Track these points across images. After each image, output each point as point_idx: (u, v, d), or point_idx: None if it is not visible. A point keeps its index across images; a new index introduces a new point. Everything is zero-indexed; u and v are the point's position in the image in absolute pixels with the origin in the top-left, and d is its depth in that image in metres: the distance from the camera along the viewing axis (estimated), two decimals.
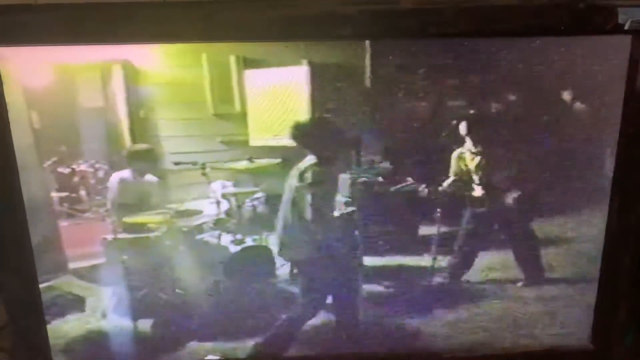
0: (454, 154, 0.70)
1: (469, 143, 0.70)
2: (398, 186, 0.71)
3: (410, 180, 0.71)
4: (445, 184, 0.71)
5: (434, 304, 0.76)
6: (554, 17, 0.62)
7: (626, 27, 0.62)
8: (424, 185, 0.71)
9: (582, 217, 0.72)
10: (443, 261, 0.74)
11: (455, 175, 0.71)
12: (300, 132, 0.68)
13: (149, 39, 0.62)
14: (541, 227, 0.73)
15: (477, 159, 0.71)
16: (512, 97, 0.68)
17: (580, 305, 0.75)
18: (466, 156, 0.71)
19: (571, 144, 0.69)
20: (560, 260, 0.75)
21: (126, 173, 0.70)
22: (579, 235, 0.73)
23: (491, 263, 0.75)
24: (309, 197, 0.71)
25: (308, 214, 0.72)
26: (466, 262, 0.75)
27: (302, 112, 0.67)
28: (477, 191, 0.73)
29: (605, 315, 0.75)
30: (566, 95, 0.68)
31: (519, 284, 0.76)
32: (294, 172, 0.70)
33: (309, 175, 0.70)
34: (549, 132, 0.69)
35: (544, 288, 0.76)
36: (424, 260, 0.74)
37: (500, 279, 0.75)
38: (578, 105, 0.68)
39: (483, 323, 0.76)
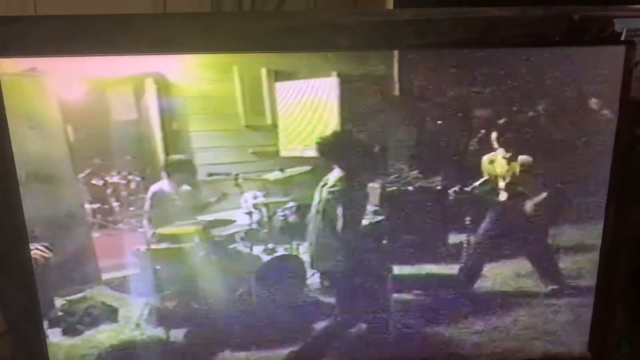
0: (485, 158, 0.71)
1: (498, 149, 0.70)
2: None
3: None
4: (474, 185, 0.71)
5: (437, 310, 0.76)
6: (549, 28, 0.63)
7: (622, 38, 0.63)
8: (452, 190, 0.71)
9: (579, 225, 0.72)
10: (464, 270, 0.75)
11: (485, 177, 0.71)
12: (327, 146, 0.69)
13: (150, 50, 0.63)
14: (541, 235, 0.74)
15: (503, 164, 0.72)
16: (520, 106, 0.68)
17: (577, 313, 0.75)
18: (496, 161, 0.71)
19: (571, 150, 0.70)
20: (558, 268, 0.75)
21: (164, 184, 0.71)
22: (575, 243, 0.73)
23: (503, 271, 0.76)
24: (339, 209, 0.72)
25: (338, 225, 0.72)
26: (478, 270, 0.75)
27: (332, 122, 0.68)
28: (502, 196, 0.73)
29: (602, 322, 0.75)
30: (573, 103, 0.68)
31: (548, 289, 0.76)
32: (322, 184, 0.71)
33: (337, 188, 0.71)
34: (552, 139, 0.69)
35: (542, 295, 0.76)
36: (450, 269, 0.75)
37: (501, 289, 0.76)
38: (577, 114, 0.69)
39: (479, 329, 0.77)
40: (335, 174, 0.71)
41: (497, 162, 0.71)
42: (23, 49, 0.61)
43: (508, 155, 0.71)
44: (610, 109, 0.67)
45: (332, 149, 0.69)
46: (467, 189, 0.71)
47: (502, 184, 0.72)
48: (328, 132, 0.68)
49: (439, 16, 0.63)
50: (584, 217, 0.72)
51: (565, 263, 0.74)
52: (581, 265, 0.74)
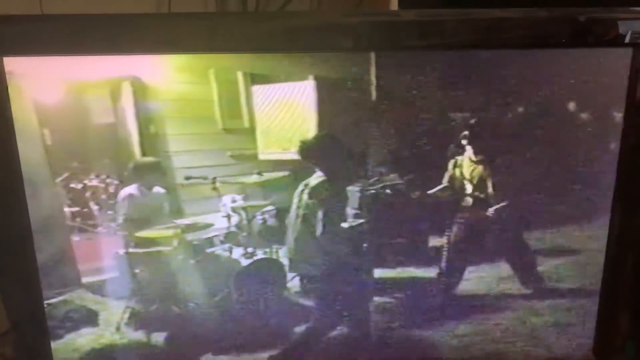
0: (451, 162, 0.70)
1: (469, 152, 0.70)
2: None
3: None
4: (435, 189, 0.71)
5: (435, 314, 0.76)
6: (555, 30, 0.62)
7: (627, 40, 0.62)
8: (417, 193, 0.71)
9: (584, 228, 0.72)
10: (447, 272, 0.74)
11: (450, 182, 0.71)
12: (307, 149, 0.68)
13: (155, 50, 0.63)
14: (543, 238, 0.73)
15: (475, 167, 0.71)
16: (512, 108, 0.68)
17: (582, 316, 0.75)
18: (464, 164, 0.71)
19: (572, 154, 0.69)
20: (561, 271, 0.74)
21: (133, 188, 0.70)
22: (580, 246, 0.73)
23: (493, 274, 0.75)
24: (318, 213, 0.71)
25: (318, 229, 0.72)
26: (461, 272, 0.75)
27: (309, 125, 0.68)
28: (473, 200, 0.72)
29: (607, 325, 0.75)
30: (567, 107, 0.68)
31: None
32: (301, 188, 0.71)
33: (319, 191, 0.70)
34: (549, 142, 0.69)
35: (546, 299, 0.75)
36: (432, 272, 0.74)
37: (500, 291, 0.75)
38: (579, 116, 0.68)
39: (483, 334, 0.76)
40: (316, 177, 0.70)
41: (479, 166, 0.71)
42: (29, 48, 0.61)
43: (494, 159, 0.70)
44: (616, 112, 0.67)
45: (312, 153, 0.69)
46: (441, 188, 0.71)
47: (490, 188, 0.72)
48: (308, 135, 0.68)
49: (443, 17, 0.62)
50: (584, 219, 0.71)
51: (563, 265, 0.74)
52: (583, 268, 0.73)
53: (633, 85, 0.65)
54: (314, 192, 0.70)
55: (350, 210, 0.72)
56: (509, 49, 0.64)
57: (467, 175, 0.71)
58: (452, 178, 0.71)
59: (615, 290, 0.73)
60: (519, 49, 0.64)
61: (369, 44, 0.63)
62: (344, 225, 0.72)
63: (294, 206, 0.71)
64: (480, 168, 0.71)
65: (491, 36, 0.62)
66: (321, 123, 0.68)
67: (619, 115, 0.67)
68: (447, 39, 0.62)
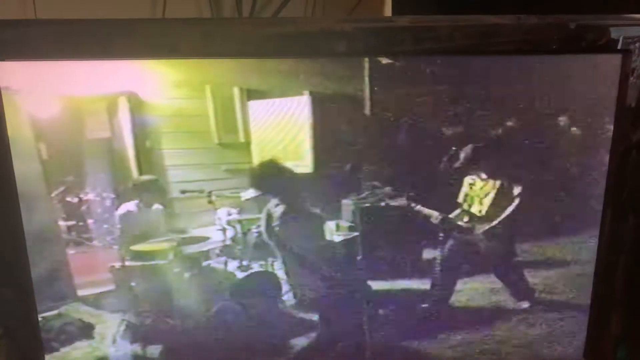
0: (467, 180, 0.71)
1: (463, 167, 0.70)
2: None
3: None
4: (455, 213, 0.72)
5: (429, 326, 0.76)
6: (546, 36, 0.63)
7: (617, 47, 0.64)
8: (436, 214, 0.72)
9: (575, 233, 0.73)
10: (440, 284, 0.75)
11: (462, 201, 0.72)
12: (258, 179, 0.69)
13: (149, 55, 0.63)
14: (534, 250, 0.74)
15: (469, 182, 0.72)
16: (503, 117, 0.68)
17: (573, 319, 0.76)
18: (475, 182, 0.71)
19: (563, 163, 0.70)
20: (553, 276, 0.75)
21: (130, 202, 0.71)
22: (572, 256, 0.74)
23: (485, 284, 0.76)
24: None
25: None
26: (454, 284, 0.76)
27: (304, 139, 0.69)
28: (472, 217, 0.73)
29: (598, 329, 0.75)
30: (557, 115, 0.69)
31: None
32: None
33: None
34: (541, 151, 0.70)
35: (538, 307, 0.76)
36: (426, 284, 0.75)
37: (492, 302, 0.76)
38: (570, 124, 0.69)
39: (477, 344, 0.77)
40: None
41: (476, 183, 0.72)
42: (23, 52, 0.61)
43: (488, 175, 0.71)
44: (606, 120, 0.68)
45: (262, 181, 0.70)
46: (450, 216, 0.72)
47: (478, 205, 0.73)
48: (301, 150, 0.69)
49: (436, 23, 0.63)
50: (574, 229, 0.72)
51: (555, 275, 0.75)
52: (574, 277, 0.74)
53: (622, 93, 0.66)
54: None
55: (344, 224, 0.72)
56: (501, 55, 0.65)
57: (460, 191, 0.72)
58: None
59: (605, 296, 0.74)
60: (511, 55, 0.65)
61: (363, 50, 0.64)
62: (338, 238, 0.73)
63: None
64: (474, 183, 0.71)
65: (483, 43, 0.63)
66: (316, 135, 0.68)
67: (609, 124, 0.68)
68: (439, 45, 0.63)
